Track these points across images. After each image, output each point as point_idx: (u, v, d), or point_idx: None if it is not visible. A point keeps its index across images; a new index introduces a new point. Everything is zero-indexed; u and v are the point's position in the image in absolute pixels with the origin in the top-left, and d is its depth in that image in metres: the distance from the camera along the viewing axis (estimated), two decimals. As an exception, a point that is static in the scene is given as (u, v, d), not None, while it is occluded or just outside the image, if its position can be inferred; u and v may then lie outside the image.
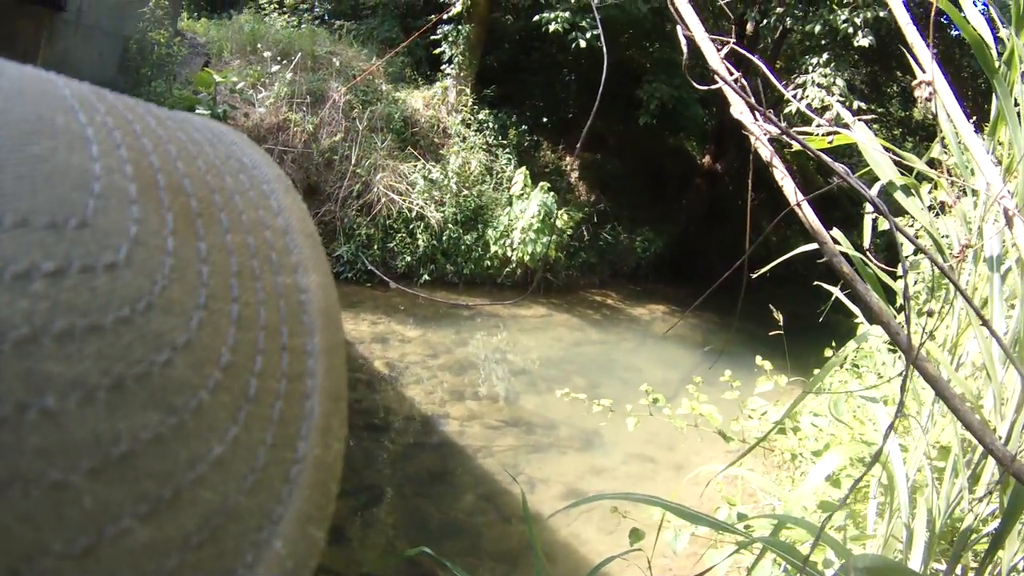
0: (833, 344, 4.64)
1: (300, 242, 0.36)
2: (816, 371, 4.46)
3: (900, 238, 1.27)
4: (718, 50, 1.40)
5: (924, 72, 1.61)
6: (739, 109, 1.35)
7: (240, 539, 0.27)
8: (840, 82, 13.50)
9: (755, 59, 1.39)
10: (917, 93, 1.64)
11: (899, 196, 2.05)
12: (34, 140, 0.27)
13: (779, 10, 14.20)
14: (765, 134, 1.35)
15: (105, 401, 0.24)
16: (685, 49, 1.38)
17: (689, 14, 1.37)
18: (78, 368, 0.24)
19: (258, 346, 0.31)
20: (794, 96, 12.82)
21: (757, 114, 1.35)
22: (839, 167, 1.31)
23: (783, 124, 1.35)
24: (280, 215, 0.37)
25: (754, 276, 2.61)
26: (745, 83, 1.37)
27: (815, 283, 3.44)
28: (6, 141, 0.27)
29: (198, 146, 0.36)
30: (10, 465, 0.22)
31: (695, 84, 1.44)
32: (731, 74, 1.36)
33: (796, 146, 1.44)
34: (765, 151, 1.35)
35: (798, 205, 1.34)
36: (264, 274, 0.33)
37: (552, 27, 13.26)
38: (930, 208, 2.41)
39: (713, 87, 1.36)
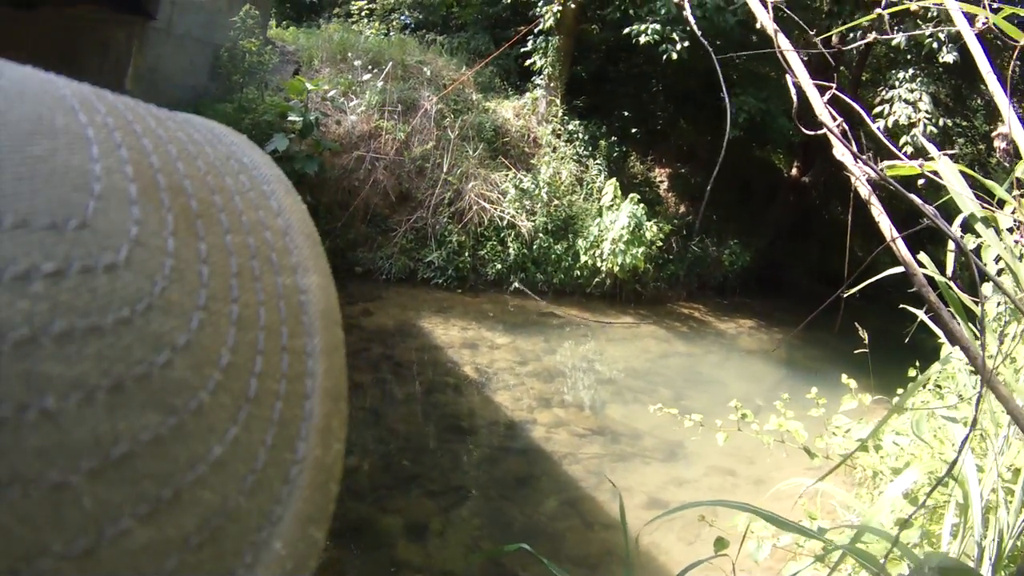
0: (917, 364, 4.67)
1: (300, 243, 0.37)
2: (900, 390, 4.51)
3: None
4: (821, 95, 1.55)
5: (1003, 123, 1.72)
6: (841, 151, 1.49)
7: (240, 540, 0.28)
8: (926, 97, 13.32)
9: (858, 107, 1.53)
10: (996, 144, 1.76)
11: (979, 227, 2.16)
12: (34, 141, 0.28)
13: (865, 24, 14.01)
14: (864, 175, 1.49)
15: (105, 402, 0.25)
16: (795, 97, 1.53)
17: (796, 63, 1.53)
18: (78, 369, 0.24)
19: (258, 347, 0.31)
20: (881, 112, 12.71)
21: (857, 158, 1.49)
22: (929, 209, 1.44)
23: (871, 157, 1.50)
24: (280, 216, 0.37)
25: (845, 296, 2.73)
26: (846, 127, 1.51)
27: (901, 305, 3.51)
28: (6, 142, 0.27)
29: (198, 147, 0.36)
30: (10, 466, 0.22)
31: (804, 130, 1.57)
32: (834, 120, 1.50)
33: (887, 170, 1.57)
34: (864, 190, 1.49)
35: (893, 241, 1.48)
36: (264, 275, 0.34)
37: (643, 39, 13.21)
38: (1010, 230, 2.49)
39: (819, 132, 1.50)
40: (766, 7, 1.53)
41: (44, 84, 0.32)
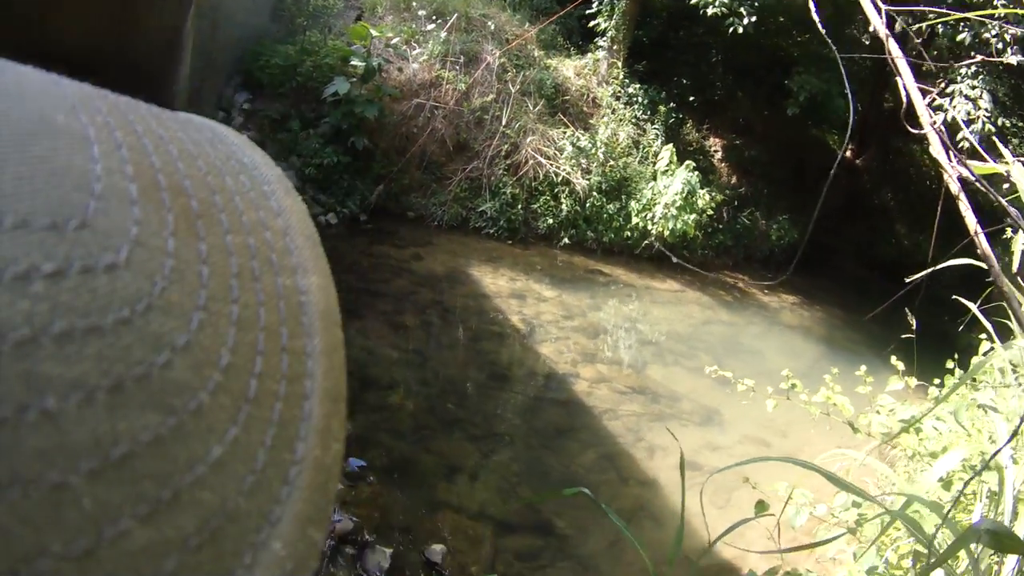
0: (956, 356, 4.79)
1: (300, 243, 0.37)
2: (936, 380, 4.64)
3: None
4: (924, 96, 1.71)
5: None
6: (937, 149, 1.65)
7: (239, 540, 0.28)
8: (986, 95, 13.16)
9: (951, 112, 1.68)
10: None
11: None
12: (35, 140, 0.28)
13: (931, 17, 13.80)
14: (955, 172, 1.66)
15: (104, 402, 0.25)
16: (905, 99, 1.70)
17: (904, 68, 1.69)
18: (78, 369, 0.24)
19: (258, 348, 0.31)
20: (940, 106, 12.65)
21: (951, 154, 1.65)
22: (1013, 211, 1.61)
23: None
24: (280, 216, 0.37)
25: (908, 281, 2.88)
26: (943, 129, 1.66)
27: (950, 296, 3.63)
28: (7, 141, 0.27)
29: (199, 147, 0.36)
30: (10, 466, 0.22)
31: (910, 128, 1.73)
32: (933, 123, 1.66)
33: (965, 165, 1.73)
34: (955, 187, 1.65)
35: (975, 234, 1.64)
36: (264, 275, 0.33)
37: (711, 10, 13.15)
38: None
39: (922, 131, 1.66)
40: (879, 12, 1.68)
41: (45, 83, 0.32)
